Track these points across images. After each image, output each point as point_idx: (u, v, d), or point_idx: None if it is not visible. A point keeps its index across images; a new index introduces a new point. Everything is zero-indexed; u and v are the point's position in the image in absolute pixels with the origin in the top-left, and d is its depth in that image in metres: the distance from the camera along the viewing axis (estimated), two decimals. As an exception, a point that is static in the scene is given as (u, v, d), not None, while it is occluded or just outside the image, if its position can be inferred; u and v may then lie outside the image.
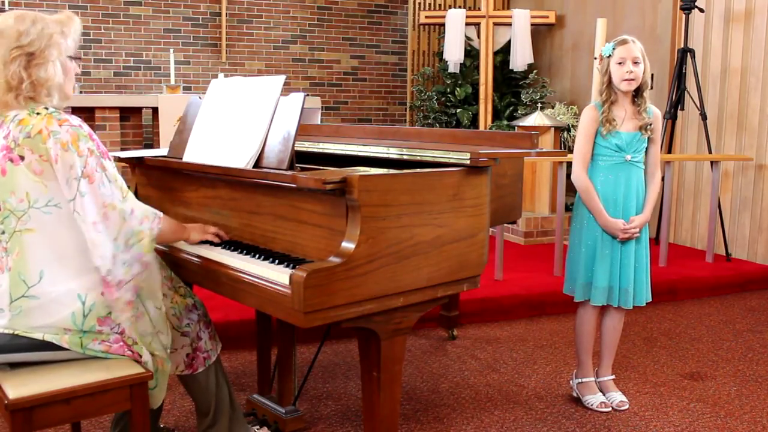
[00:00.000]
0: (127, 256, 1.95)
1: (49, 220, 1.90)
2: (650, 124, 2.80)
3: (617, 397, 2.97)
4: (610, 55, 2.78)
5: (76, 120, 1.94)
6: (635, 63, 2.74)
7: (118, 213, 1.92)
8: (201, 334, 2.27)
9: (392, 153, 2.53)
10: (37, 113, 1.92)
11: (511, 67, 7.22)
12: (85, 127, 1.94)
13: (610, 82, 2.79)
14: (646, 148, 2.85)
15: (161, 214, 2.08)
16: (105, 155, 1.96)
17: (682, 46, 5.44)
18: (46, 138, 1.87)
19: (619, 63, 2.75)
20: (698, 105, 5.30)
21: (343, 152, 2.71)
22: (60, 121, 1.90)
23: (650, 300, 2.90)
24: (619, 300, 2.84)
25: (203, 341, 2.27)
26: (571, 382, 3.07)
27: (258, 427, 2.59)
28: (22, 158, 1.88)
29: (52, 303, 1.90)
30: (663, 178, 3.16)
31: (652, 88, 2.93)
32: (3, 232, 1.92)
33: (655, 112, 2.84)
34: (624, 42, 2.77)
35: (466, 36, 7.14)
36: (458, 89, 7.19)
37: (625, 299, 2.84)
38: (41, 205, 1.90)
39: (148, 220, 2.00)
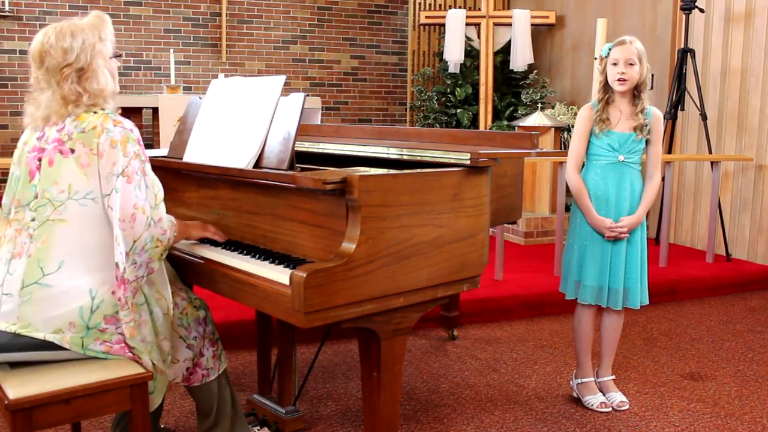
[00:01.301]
0: (138, 258, 1.97)
1: (83, 213, 1.95)
2: (645, 125, 2.80)
3: (617, 397, 2.96)
4: (606, 56, 2.81)
5: (129, 124, 2.02)
6: (629, 64, 2.74)
7: (146, 218, 1.97)
8: (204, 351, 2.25)
9: (392, 153, 2.53)
10: (94, 112, 2.01)
11: (511, 68, 7.23)
12: (136, 132, 2.03)
13: (606, 82, 2.81)
14: (646, 149, 2.86)
15: (175, 221, 2.11)
16: (148, 161, 2.03)
17: (682, 46, 5.44)
18: (99, 133, 1.95)
19: (614, 64, 2.77)
20: (698, 105, 5.30)
21: (343, 152, 2.71)
22: (115, 121, 1.99)
23: (646, 303, 2.87)
24: (608, 300, 2.84)
25: (205, 358, 2.25)
26: (571, 382, 3.07)
27: (258, 427, 2.59)
28: (72, 151, 1.95)
29: (62, 294, 1.92)
30: (663, 179, 3.15)
31: (652, 88, 2.94)
32: (33, 219, 1.96)
33: (655, 114, 2.84)
34: (621, 43, 2.78)
35: (466, 36, 7.14)
36: (458, 89, 7.19)
37: (614, 300, 2.84)
38: (80, 197, 1.95)
39: (170, 230, 2.04)
